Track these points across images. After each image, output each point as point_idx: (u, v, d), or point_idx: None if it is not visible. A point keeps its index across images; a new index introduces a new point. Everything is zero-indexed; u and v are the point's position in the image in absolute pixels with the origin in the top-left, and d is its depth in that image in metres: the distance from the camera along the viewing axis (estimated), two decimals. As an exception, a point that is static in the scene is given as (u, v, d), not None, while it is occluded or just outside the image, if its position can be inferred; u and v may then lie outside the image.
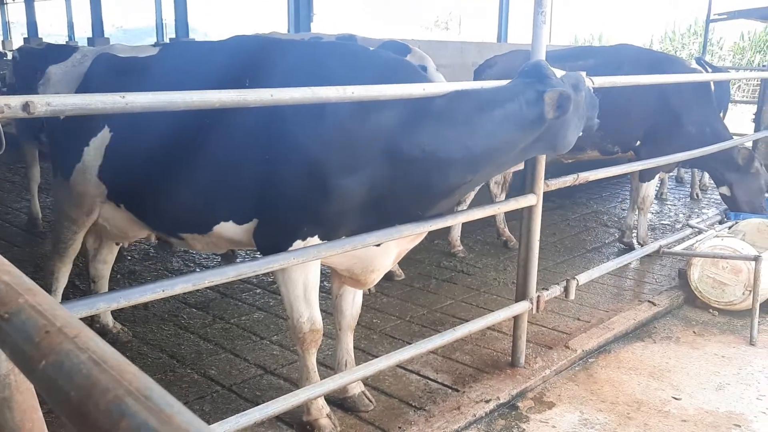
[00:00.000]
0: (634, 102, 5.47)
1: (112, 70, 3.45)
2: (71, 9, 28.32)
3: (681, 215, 8.05)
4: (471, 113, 2.98)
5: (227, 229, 3.13)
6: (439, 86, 3.05)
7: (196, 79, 3.11)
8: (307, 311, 3.11)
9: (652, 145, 5.68)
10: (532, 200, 3.70)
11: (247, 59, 3.15)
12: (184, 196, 3.17)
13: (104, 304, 2.15)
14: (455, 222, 3.30)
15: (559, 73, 3.14)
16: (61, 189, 3.64)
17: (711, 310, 5.01)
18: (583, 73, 3.73)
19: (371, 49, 3.33)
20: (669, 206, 8.47)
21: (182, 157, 3.10)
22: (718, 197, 8.86)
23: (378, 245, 3.06)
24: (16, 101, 1.86)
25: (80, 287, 5.03)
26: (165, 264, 5.86)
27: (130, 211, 3.49)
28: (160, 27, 25.99)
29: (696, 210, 8.31)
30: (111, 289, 4.64)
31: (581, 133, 3.40)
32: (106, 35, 16.66)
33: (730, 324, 4.83)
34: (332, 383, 2.93)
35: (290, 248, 2.95)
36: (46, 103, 1.91)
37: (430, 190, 3.02)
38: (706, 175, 9.00)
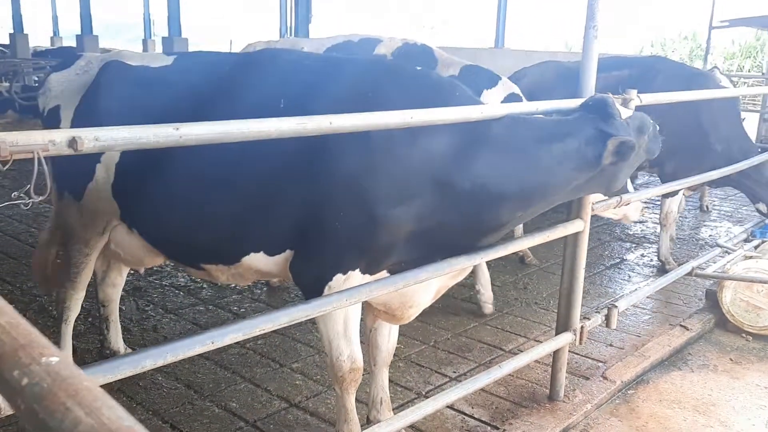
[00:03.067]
0: (666, 117, 5.25)
1: (125, 82, 3.13)
2: (56, 3, 27.76)
3: (691, 228, 7.91)
4: (529, 144, 2.75)
5: (257, 260, 2.88)
6: (496, 108, 2.83)
7: (226, 99, 2.84)
8: (348, 349, 2.87)
9: (678, 161, 5.55)
10: (579, 226, 3.48)
11: (286, 78, 2.87)
12: (207, 224, 2.89)
13: (151, 361, 1.90)
14: (506, 252, 3.07)
15: (625, 112, 2.91)
16: (70, 211, 3.34)
17: (744, 335, 4.83)
18: (634, 92, 3.54)
19: (419, 69, 3.07)
20: (680, 218, 8.29)
21: (204, 179, 2.82)
22: (728, 209, 8.78)
23: None
24: (61, 136, 1.60)
25: (84, 306, 4.72)
26: (171, 279, 5.57)
27: (143, 236, 3.20)
28: (147, 23, 25.50)
29: (708, 223, 8.17)
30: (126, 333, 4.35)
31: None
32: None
33: (766, 350, 4.66)
34: (381, 432, 2.69)
35: (330, 281, 2.72)
36: (94, 137, 1.65)
37: (478, 224, 2.78)
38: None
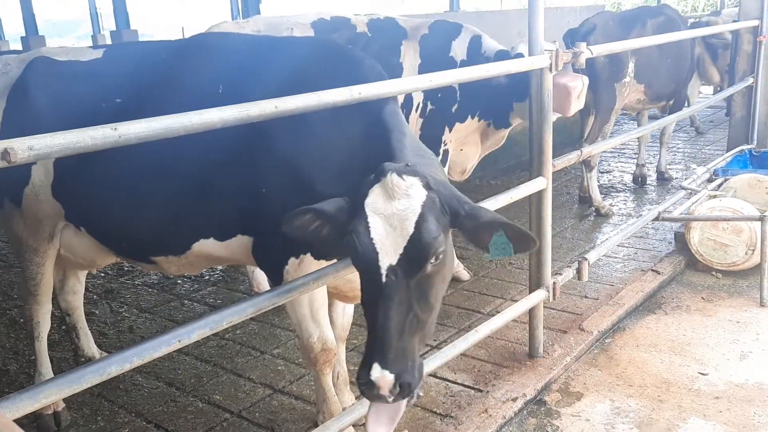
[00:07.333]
0: (683, 57, 6.48)
1: (54, 77, 3.02)
2: (-3, 5, 26.86)
3: (656, 172, 7.98)
4: None
5: (208, 246, 2.85)
6: (444, 76, 2.81)
7: (160, 87, 2.78)
8: (317, 330, 2.87)
9: (682, 90, 6.77)
10: (542, 184, 3.50)
11: (221, 62, 2.82)
12: (154, 215, 2.83)
13: (116, 367, 1.87)
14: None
15: None
16: (13, 219, 3.18)
17: (714, 273, 4.93)
18: (583, 45, 3.58)
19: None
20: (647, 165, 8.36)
21: (147, 168, 2.74)
22: (691, 150, 8.89)
23: None
24: (-9, 149, 1.55)
25: (56, 314, 4.66)
26: (144, 278, 5.51)
27: (92, 234, 3.11)
28: (95, 17, 24.80)
29: (672, 166, 8.25)
30: (93, 333, 4.29)
31: None
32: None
33: (735, 285, 4.76)
34: (363, 409, 2.70)
35: (286, 265, 2.71)
36: (28, 147, 1.60)
37: None
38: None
